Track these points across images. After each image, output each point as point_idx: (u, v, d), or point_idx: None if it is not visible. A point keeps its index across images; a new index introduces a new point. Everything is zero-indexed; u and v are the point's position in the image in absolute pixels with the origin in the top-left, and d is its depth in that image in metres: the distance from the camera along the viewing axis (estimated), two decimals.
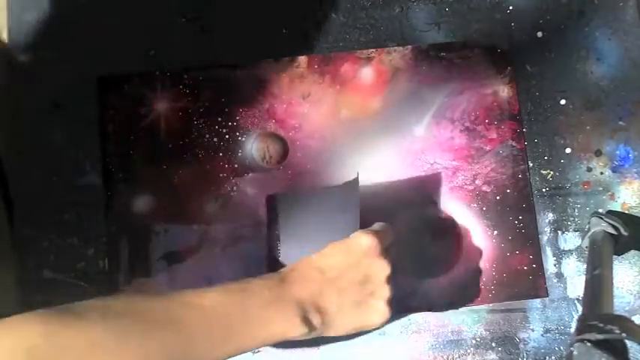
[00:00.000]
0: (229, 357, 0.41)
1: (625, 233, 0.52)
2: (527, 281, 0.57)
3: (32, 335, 0.34)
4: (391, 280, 0.46)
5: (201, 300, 0.41)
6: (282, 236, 0.57)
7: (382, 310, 0.45)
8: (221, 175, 0.58)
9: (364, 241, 0.45)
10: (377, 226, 0.49)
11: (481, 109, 0.59)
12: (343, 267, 0.45)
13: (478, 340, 0.57)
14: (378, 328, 0.47)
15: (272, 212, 0.57)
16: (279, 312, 0.42)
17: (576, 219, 0.59)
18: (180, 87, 0.59)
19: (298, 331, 0.42)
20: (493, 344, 0.57)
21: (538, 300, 0.58)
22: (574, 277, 0.58)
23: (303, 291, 0.43)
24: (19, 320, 0.35)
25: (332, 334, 0.45)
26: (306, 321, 0.43)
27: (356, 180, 0.53)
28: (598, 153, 0.59)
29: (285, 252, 0.56)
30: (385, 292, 0.45)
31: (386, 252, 0.46)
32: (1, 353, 0.33)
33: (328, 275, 0.45)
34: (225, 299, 0.41)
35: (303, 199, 0.57)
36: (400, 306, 0.57)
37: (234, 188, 0.58)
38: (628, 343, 0.36)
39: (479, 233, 0.58)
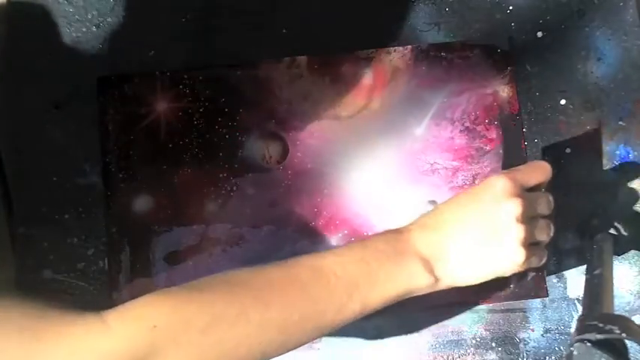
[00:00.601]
0: (357, 316, 0.40)
1: (625, 233, 0.52)
2: (527, 281, 0.57)
3: (159, 312, 0.35)
4: (527, 219, 0.42)
5: (321, 261, 0.40)
6: None
7: (514, 252, 0.42)
8: (221, 175, 0.58)
9: (496, 183, 0.43)
10: (525, 165, 0.46)
11: (481, 109, 0.59)
12: (470, 211, 0.43)
13: (478, 340, 0.57)
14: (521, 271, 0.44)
15: None
16: (400, 264, 0.41)
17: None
18: (180, 87, 0.59)
19: (423, 281, 0.41)
20: (493, 344, 0.57)
21: (538, 300, 0.58)
22: (574, 277, 0.58)
23: (422, 240, 0.42)
24: (147, 299, 0.36)
25: (462, 283, 0.43)
26: (430, 271, 0.41)
27: None
28: None
29: None
30: (517, 231, 0.42)
31: (523, 192, 0.43)
32: (129, 331, 0.34)
33: (452, 221, 0.43)
34: (343, 259, 0.41)
35: None
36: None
37: (234, 188, 0.58)
38: (628, 343, 0.36)
39: None
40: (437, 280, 0.42)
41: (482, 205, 0.43)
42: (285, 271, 0.40)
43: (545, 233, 0.45)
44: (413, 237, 0.42)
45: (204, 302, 0.37)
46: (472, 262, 0.43)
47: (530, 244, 0.43)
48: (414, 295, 0.42)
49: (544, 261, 0.46)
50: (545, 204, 0.46)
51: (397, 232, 0.43)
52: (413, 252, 0.42)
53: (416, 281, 0.41)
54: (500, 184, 0.42)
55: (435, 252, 0.42)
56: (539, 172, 0.46)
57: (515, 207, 0.42)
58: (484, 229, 0.42)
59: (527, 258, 0.43)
